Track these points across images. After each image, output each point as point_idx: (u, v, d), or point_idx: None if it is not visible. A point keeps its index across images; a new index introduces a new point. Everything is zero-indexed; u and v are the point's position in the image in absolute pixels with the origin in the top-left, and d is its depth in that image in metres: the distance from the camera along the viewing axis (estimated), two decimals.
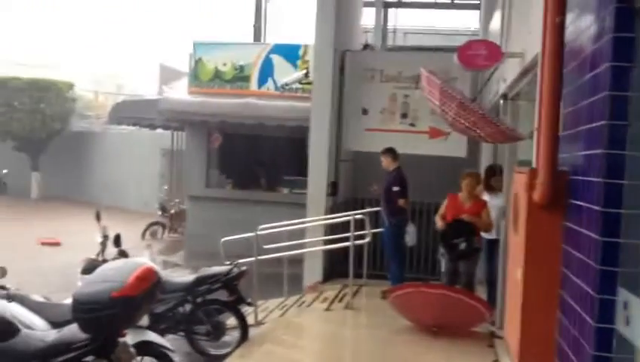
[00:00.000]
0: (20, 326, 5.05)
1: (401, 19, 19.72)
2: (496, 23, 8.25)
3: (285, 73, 14.12)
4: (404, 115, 10.66)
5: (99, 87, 46.21)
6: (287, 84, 13.67)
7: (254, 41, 18.34)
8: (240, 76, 14.77)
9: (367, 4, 15.47)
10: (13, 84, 26.53)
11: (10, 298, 5.69)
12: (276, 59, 14.58)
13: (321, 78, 10.42)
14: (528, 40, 5.53)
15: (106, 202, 21.26)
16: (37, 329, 5.55)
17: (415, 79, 10.56)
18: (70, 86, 28.16)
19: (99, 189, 26.12)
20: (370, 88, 10.81)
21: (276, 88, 14.46)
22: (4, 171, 27.47)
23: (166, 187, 20.25)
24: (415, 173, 9.65)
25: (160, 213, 18.07)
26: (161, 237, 17.30)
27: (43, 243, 15.26)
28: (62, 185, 27.14)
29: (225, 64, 14.82)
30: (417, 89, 9.36)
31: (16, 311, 5.69)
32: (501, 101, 7.63)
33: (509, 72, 6.86)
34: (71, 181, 27.24)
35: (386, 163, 9.11)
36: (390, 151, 9.14)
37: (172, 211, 17.84)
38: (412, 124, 10.63)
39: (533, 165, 4.55)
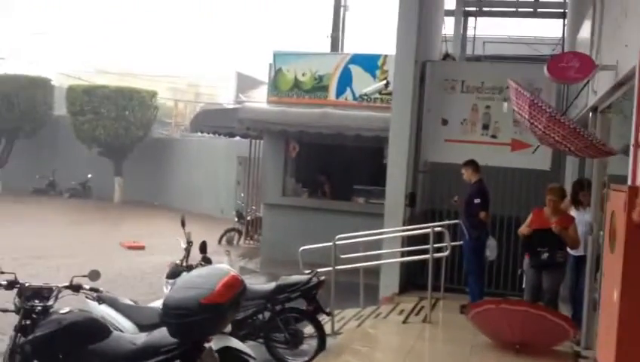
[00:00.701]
0: (111, 328, 5.24)
1: (480, 27, 19.42)
2: (585, 33, 8.00)
3: (364, 83, 14.15)
4: (485, 126, 10.49)
5: (178, 95, 47.58)
6: (366, 94, 13.69)
7: (331, 50, 18.48)
8: (319, 86, 14.90)
9: (446, 13, 15.32)
10: (100, 92, 27.63)
11: (101, 300, 5.91)
12: (355, 70, 14.63)
13: (401, 89, 10.39)
14: (623, 52, 5.34)
15: (183, 207, 21.81)
16: (126, 331, 5.75)
17: (498, 90, 10.39)
18: (153, 94, 29.08)
19: (177, 195, 26.85)
20: (450, 99, 10.70)
21: (354, 98, 14.50)
22: (89, 176, 28.58)
23: (243, 194, 20.59)
24: (496, 186, 9.47)
25: (236, 219, 18.39)
26: (237, 243, 17.59)
27: (129, 247, 15.77)
28: (142, 190, 28.02)
29: (304, 74, 14.99)
30: (506, 101, 9.21)
31: (106, 314, 5.91)
32: (590, 114, 7.40)
33: (599, 83, 6.65)
34: (151, 186, 28.09)
35: (468, 175, 8.99)
36: (472, 163, 9.02)
37: (248, 218, 18.12)
38: (494, 136, 10.45)
39: (629, 182, 4.39)
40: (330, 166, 15.47)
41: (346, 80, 14.69)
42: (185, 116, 39.26)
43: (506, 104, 9.08)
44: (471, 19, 17.99)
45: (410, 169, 10.47)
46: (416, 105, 10.60)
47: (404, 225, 10.08)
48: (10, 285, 5.11)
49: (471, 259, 8.96)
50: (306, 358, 7.27)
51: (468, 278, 9.25)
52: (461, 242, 9.16)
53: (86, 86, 29.71)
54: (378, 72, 14.41)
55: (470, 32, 18.32)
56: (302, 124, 14.29)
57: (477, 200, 8.73)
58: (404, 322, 8.49)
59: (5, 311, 5.08)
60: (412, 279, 10.26)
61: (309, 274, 7.70)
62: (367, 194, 14.69)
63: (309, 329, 7.60)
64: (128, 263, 13.60)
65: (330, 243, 8.86)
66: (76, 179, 28.59)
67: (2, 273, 5.16)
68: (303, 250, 9.22)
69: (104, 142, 27.49)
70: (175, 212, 20.92)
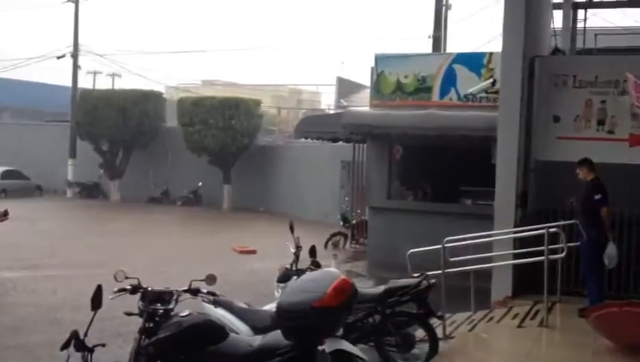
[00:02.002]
0: (227, 331, 5.39)
1: (591, 19, 18.56)
2: None
3: (468, 82, 13.87)
4: (600, 122, 9.97)
5: (281, 103, 48.55)
6: (472, 94, 13.41)
7: (434, 51, 18.24)
8: (422, 87, 14.74)
9: (554, 6, 14.74)
10: (208, 103, 28.65)
11: (217, 303, 6.08)
12: (459, 69, 14.37)
13: (509, 86, 10.07)
14: None
15: (288, 213, 22.17)
16: (241, 333, 5.90)
17: (613, 83, 9.88)
18: (257, 103, 29.83)
19: (282, 200, 27.35)
20: (561, 94, 10.25)
21: (459, 98, 14.24)
22: (199, 184, 29.66)
23: (347, 198, 20.70)
24: (614, 184, 8.98)
25: (342, 223, 18.50)
26: (343, 247, 17.69)
27: (240, 252, 16.22)
28: (249, 196, 28.75)
29: (406, 76, 14.87)
30: (624, 95, 8.74)
31: (222, 316, 6.08)
32: None
33: None
34: (257, 193, 28.77)
35: (583, 174, 8.60)
36: (586, 162, 8.62)
37: (353, 222, 18.19)
38: (610, 132, 9.92)
39: None
40: (435, 168, 15.24)
41: (450, 80, 14.44)
42: (288, 123, 40.04)
43: (617, 97, 8.58)
44: (580, 12, 17.21)
45: (520, 168, 10.13)
46: (525, 103, 10.24)
47: (515, 226, 9.76)
48: (134, 290, 5.36)
49: (589, 260, 8.54)
50: None
51: (586, 280, 8.82)
52: (578, 243, 8.75)
53: (195, 98, 30.92)
54: (483, 71, 14.08)
55: (579, 25, 17.54)
56: (406, 127, 14.18)
57: (597, 196, 8.33)
58: (519, 326, 8.21)
59: (130, 314, 5.33)
60: (526, 282, 9.90)
61: (418, 277, 7.62)
62: (475, 196, 14.37)
63: (420, 333, 7.53)
64: (240, 267, 13.98)
65: (439, 246, 8.72)
66: (187, 187, 29.75)
67: (127, 278, 5.43)
68: (411, 253, 9.12)
69: (213, 151, 28.44)
70: (281, 217, 21.43)
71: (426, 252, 9.18)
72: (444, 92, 14.55)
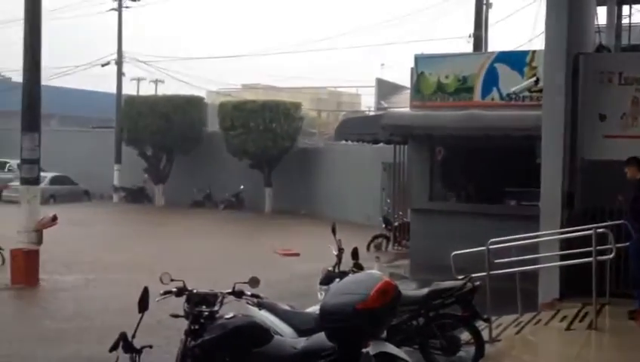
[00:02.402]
0: (272, 333, 5.42)
1: (636, 16, 18.08)
2: None
3: (511, 82, 13.67)
4: None
5: (321, 105, 48.66)
6: (515, 93, 13.23)
7: (475, 50, 18.04)
8: (463, 87, 14.60)
9: (598, 2, 14.44)
10: (248, 107, 28.90)
11: (261, 306, 6.12)
12: (501, 68, 14.19)
13: (553, 84, 9.89)
14: None
15: (329, 215, 22.18)
16: (285, 335, 5.92)
17: None
18: (297, 106, 29.94)
19: (323, 203, 27.38)
20: (607, 92, 10.02)
21: (502, 98, 14.06)
22: (241, 187, 29.90)
23: (389, 200, 20.61)
24: None
25: (383, 225, 18.42)
26: (386, 249, 17.62)
27: (284, 254, 16.29)
28: (290, 199, 28.85)
29: (447, 76, 14.75)
30: None
31: (266, 318, 6.11)
32: None
33: None
34: (298, 195, 28.85)
35: (631, 173, 8.40)
36: (635, 161, 8.42)
37: (395, 224, 18.10)
38: None
39: None
40: (478, 169, 15.07)
41: (491, 79, 14.27)
42: (328, 125, 40.10)
43: None
44: (625, 7, 16.81)
45: (566, 168, 9.94)
46: (570, 101, 10.05)
47: (561, 227, 9.58)
48: (180, 292, 5.43)
49: (639, 261, 8.32)
50: None
51: (636, 282, 8.60)
52: (627, 243, 8.54)
53: (235, 102, 31.22)
54: (526, 69, 13.87)
55: (624, 21, 17.14)
56: (447, 127, 14.06)
57: None
58: (567, 329, 8.05)
59: (176, 316, 5.40)
60: (574, 284, 9.69)
61: (462, 279, 7.54)
62: (520, 196, 14.16)
63: (465, 336, 7.44)
64: (284, 270, 14.04)
65: (483, 248, 8.61)
66: (230, 191, 30.03)
67: (172, 280, 5.50)
68: (455, 255, 9.03)
69: (254, 154, 28.65)
70: (322, 220, 21.46)
71: (469, 254, 9.08)
72: (485, 92, 14.38)
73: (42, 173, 16.00)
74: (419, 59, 15.33)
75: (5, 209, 20.86)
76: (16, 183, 18.55)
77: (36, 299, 11.57)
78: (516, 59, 14.12)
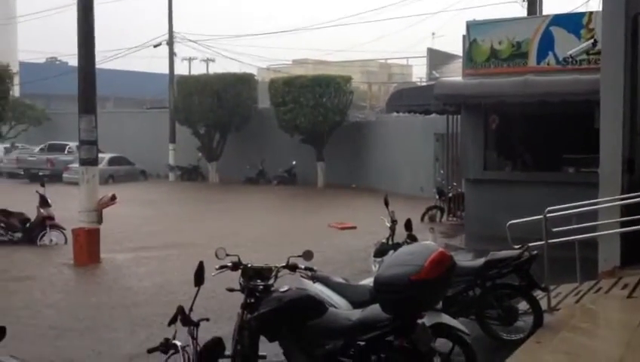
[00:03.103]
0: (326, 305, 5.45)
1: None
2: None
3: (567, 45, 13.22)
4: None
5: (371, 78, 48.26)
6: (571, 56, 12.80)
7: (528, 14, 17.51)
8: (517, 53, 14.19)
9: None
10: (299, 82, 28.88)
11: (315, 279, 6.16)
12: (556, 31, 13.73)
13: (612, 46, 9.52)
14: None
15: (382, 188, 22.11)
16: (340, 308, 5.95)
17: None
18: (347, 80, 29.77)
19: (375, 176, 27.30)
20: None
21: (558, 62, 13.63)
22: (294, 163, 30.06)
23: (442, 171, 20.39)
24: None
25: (437, 197, 18.26)
26: (440, 220, 17.48)
27: (341, 228, 16.33)
28: (342, 173, 28.88)
29: (500, 42, 14.37)
30: None
31: (320, 291, 6.15)
32: None
33: None
34: (350, 169, 28.85)
35: None
36: None
37: (449, 195, 17.93)
38: None
39: None
40: (535, 136, 14.71)
41: (547, 44, 13.83)
42: (379, 98, 39.75)
43: None
44: None
45: (626, 133, 9.60)
46: (629, 63, 9.67)
47: (622, 193, 9.29)
48: (235, 266, 5.51)
49: None
50: (522, 335, 7.02)
51: None
52: None
53: (285, 78, 31.24)
54: (583, 32, 13.39)
55: None
56: (501, 95, 13.74)
57: None
58: (629, 296, 7.84)
59: (232, 290, 5.49)
60: (635, 251, 9.41)
61: (519, 248, 7.42)
62: (578, 163, 13.79)
63: (523, 306, 7.34)
64: (337, 243, 14.10)
65: (541, 216, 8.43)
66: (282, 166, 30.23)
67: (227, 255, 5.59)
68: (511, 224, 8.87)
69: (305, 129, 28.69)
70: (375, 193, 21.42)
71: (526, 223, 8.90)
72: (541, 56, 13.96)
73: (100, 155, 16.41)
74: (471, 25, 14.97)
75: (66, 190, 21.51)
76: (76, 165, 19.06)
77: (99, 275, 11.93)
78: (572, 22, 13.64)
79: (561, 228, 8.87)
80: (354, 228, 16.27)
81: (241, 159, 31.22)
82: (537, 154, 14.85)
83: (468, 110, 15.14)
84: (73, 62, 23.19)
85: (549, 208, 8.57)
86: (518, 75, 13.80)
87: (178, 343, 4.12)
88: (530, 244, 7.59)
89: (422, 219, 16.68)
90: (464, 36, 15.06)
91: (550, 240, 8.37)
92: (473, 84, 14.37)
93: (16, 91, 31.51)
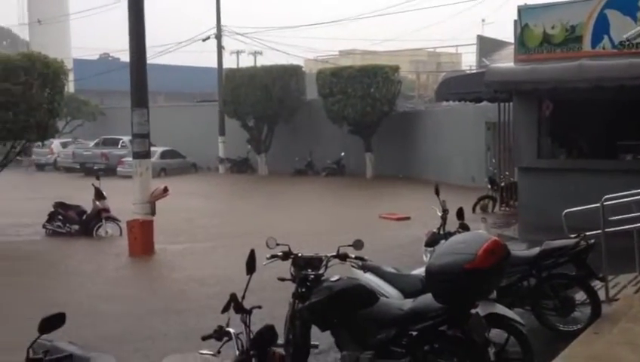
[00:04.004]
0: (378, 295, 5.41)
1: None
2: None
3: (623, 28, 12.76)
4: None
5: (420, 67, 47.77)
6: (628, 40, 12.36)
7: None
8: (571, 37, 13.78)
9: None
10: (346, 73, 28.77)
11: (365, 268, 6.13)
12: (612, 14, 13.26)
13: None
14: None
15: (432, 178, 21.87)
16: (391, 298, 5.90)
17: None
18: (396, 69, 29.51)
19: (425, 166, 27.03)
20: None
21: (613, 46, 13.17)
22: (342, 154, 30.00)
23: (494, 160, 20.05)
24: None
25: (489, 186, 17.97)
26: (492, 210, 17.20)
27: (397, 219, 16.22)
28: (391, 163, 28.69)
29: (553, 27, 13.97)
30: None
31: (371, 281, 6.12)
32: None
33: None
34: (398, 159, 28.63)
35: None
36: None
37: (502, 184, 17.61)
38: None
39: None
40: (590, 123, 14.30)
41: (602, 27, 13.38)
42: (428, 87, 39.33)
43: None
44: None
45: None
46: None
47: None
48: (286, 256, 5.53)
49: None
50: (580, 325, 6.86)
51: None
52: None
53: (333, 68, 31.17)
54: (639, 14, 12.93)
55: None
56: (555, 80, 13.37)
57: None
58: None
59: (283, 279, 5.51)
60: None
61: (575, 238, 7.23)
62: (635, 150, 13.35)
63: (579, 296, 7.16)
64: (388, 233, 14.02)
65: (598, 205, 8.19)
66: (330, 158, 30.22)
67: (278, 245, 5.60)
68: (567, 212, 8.66)
69: (353, 120, 28.59)
70: (425, 183, 21.21)
71: (583, 211, 8.68)
72: (596, 40, 13.52)
73: (152, 148, 16.70)
74: (522, 10, 14.60)
75: (120, 183, 21.98)
76: (130, 159, 19.46)
77: (153, 265, 12.18)
78: (628, 4, 13.14)
79: (619, 217, 8.62)
80: (407, 218, 16.14)
81: (289, 151, 31.34)
82: (592, 141, 14.44)
83: (520, 97, 14.81)
84: (125, 58, 23.67)
85: (606, 196, 8.32)
86: (572, 60, 13.41)
87: (231, 330, 4.15)
88: (587, 233, 7.39)
89: (473, 210, 16.43)
90: (516, 21, 14.70)
91: (608, 229, 8.13)
92: (526, 70, 14.03)
93: (70, 87, 32.34)
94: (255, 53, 48.51)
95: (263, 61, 45.53)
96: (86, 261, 12.42)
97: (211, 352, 4.11)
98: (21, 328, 6.63)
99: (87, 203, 15.24)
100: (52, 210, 15.28)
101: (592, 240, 7.20)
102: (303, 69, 34.44)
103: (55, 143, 35.00)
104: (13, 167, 20.92)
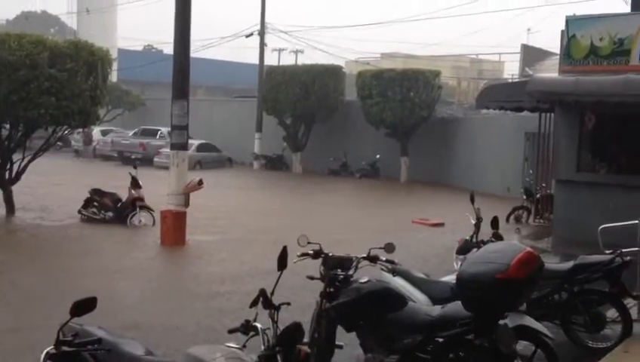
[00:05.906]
0: (406, 299, 5.38)
1: None
2: None
3: None
4: None
5: (461, 73, 47.39)
6: None
7: (632, 9, 16.62)
8: (619, 50, 13.49)
9: None
10: (387, 76, 28.70)
11: (395, 272, 6.10)
12: None
13: None
14: None
15: (466, 186, 21.67)
16: (419, 303, 5.86)
17: None
18: (437, 74, 29.33)
19: (460, 173, 26.79)
20: None
21: None
22: (378, 156, 29.90)
23: (531, 171, 19.78)
24: None
25: (525, 197, 17.75)
26: (526, 221, 16.99)
27: (432, 225, 16.12)
28: (426, 169, 28.49)
29: (601, 39, 13.70)
30: None
31: (400, 285, 6.09)
32: None
33: None
34: (434, 165, 28.44)
35: None
36: None
37: (538, 196, 17.37)
38: None
39: None
40: (631, 138, 13.99)
41: None
42: (468, 94, 39.01)
43: None
44: None
45: None
46: None
47: None
48: (316, 254, 5.54)
49: None
50: (609, 343, 6.74)
51: None
52: None
53: (374, 71, 31.12)
54: None
55: None
56: (600, 93, 13.10)
57: None
58: None
59: (312, 278, 5.52)
60: None
61: (610, 254, 7.10)
62: None
63: (611, 313, 7.02)
64: (420, 238, 13.95)
65: (636, 221, 8.03)
66: (366, 159, 30.14)
67: (309, 243, 5.61)
68: (604, 228, 8.50)
69: (391, 123, 28.49)
70: (459, 191, 21.03)
71: (620, 228, 8.51)
72: None
73: (190, 141, 16.87)
74: (570, 21, 14.34)
75: (156, 173, 22.26)
76: (167, 150, 19.69)
77: (184, 256, 12.33)
78: None
79: None
80: (441, 224, 16.02)
81: (324, 150, 31.35)
82: (634, 156, 14.14)
83: (563, 108, 14.57)
84: (168, 50, 23.97)
85: None
86: (619, 73, 13.15)
87: (258, 325, 4.17)
88: (624, 250, 7.26)
89: (507, 220, 16.25)
90: (563, 31, 14.46)
91: None
92: (570, 81, 13.79)
93: (114, 77, 32.82)
94: (297, 52, 48.73)
95: (304, 60, 45.75)
96: (118, 248, 12.61)
97: (237, 346, 4.13)
98: (52, 310, 6.80)
99: (123, 191, 15.46)
100: (88, 196, 15.54)
101: (628, 258, 7.06)
102: (344, 70, 34.43)
103: (95, 131, 35.56)
104: (53, 152, 21.35)
